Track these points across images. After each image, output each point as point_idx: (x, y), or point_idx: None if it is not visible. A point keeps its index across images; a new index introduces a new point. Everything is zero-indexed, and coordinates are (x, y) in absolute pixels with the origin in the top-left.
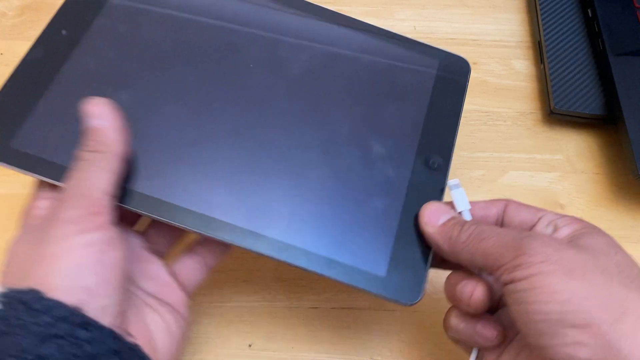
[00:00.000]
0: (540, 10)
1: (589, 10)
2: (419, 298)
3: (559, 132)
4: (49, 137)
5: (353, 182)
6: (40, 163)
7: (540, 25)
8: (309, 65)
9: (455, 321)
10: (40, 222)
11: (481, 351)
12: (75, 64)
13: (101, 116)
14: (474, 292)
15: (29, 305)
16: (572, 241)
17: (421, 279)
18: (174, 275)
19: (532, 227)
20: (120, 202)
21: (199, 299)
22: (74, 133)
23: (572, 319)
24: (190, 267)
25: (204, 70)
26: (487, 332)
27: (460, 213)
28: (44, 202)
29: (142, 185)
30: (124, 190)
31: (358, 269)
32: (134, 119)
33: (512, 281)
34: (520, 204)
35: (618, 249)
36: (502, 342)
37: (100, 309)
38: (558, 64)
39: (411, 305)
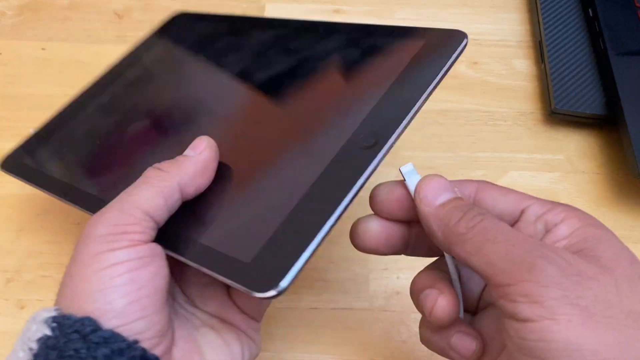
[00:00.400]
0: (541, 9)
1: (589, 10)
2: (271, 293)
3: (560, 132)
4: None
5: (268, 158)
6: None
7: (541, 25)
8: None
9: (427, 333)
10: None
11: None
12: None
13: (195, 148)
14: (435, 304)
15: (84, 335)
16: (582, 250)
17: (283, 273)
18: (231, 296)
19: (515, 222)
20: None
21: None
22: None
23: None
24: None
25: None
26: (462, 346)
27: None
28: None
29: None
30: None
31: (224, 255)
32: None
33: (514, 317)
34: (495, 188)
35: (635, 260)
36: (484, 354)
37: (135, 335)
38: (559, 64)
39: (260, 297)
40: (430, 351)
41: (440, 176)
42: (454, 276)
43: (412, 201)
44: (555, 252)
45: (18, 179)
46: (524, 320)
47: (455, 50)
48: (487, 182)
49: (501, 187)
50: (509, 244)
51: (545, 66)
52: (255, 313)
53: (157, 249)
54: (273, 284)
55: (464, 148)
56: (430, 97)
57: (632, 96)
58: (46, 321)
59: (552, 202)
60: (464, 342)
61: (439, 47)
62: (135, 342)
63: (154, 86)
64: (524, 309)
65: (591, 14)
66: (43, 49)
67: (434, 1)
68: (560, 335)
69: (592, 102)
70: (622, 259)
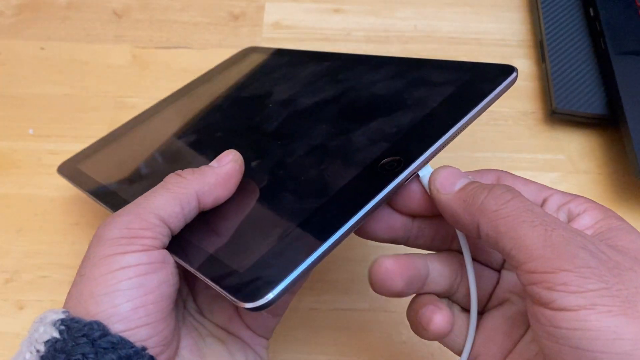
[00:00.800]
0: (542, 9)
1: (590, 9)
2: (260, 302)
3: (561, 132)
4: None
5: (285, 164)
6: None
7: (542, 24)
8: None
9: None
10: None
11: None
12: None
13: (220, 160)
14: (432, 319)
15: (93, 340)
16: (610, 243)
17: (273, 284)
18: (238, 311)
19: None
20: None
21: None
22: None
23: None
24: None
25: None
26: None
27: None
28: None
29: None
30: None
31: (222, 263)
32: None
33: (549, 305)
34: (516, 178)
35: None
36: (478, 355)
37: (139, 341)
38: (560, 63)
39: (245, 307)
40: (430, 352)
41: (451, 166)
42: (470, 271)
43: (425, 194)
44: (594, 243)
45: (70, 183)
46: (560, 309)
47: (501, 83)
48: (507, 172)
49: (521, 177)
50: (548, 228)
51: (546, 66)
52: (262, 330)
53: (168, 256)
54: (258, 296)
55: (464, 148)
56: None
57: (633, 96)
58: (54, 323)
59: (572, 194)
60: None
61: (485, 80)
62: (144, 348)
63: (214, 109)
64: (561, 298)
65: (592, 14)
66: (42, 48)
67: (434, 0)
68: (599, 325)
69: (593, 102)
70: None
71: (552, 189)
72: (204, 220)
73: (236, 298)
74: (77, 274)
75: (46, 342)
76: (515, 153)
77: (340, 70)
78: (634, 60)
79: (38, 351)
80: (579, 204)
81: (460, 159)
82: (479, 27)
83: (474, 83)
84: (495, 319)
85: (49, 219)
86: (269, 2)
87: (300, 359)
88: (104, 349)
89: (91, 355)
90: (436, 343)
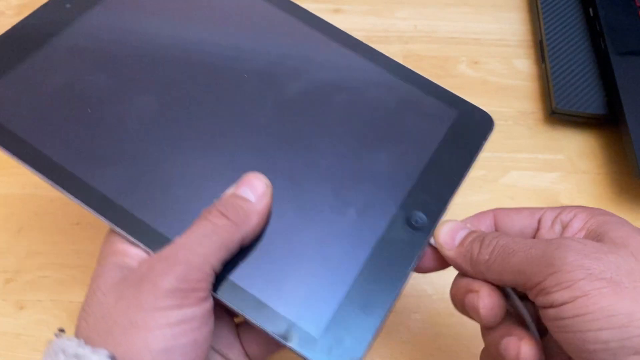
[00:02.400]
0: (542, 9)
1: (590, 10)
2: None
3: (561, 132)
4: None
5: (316, 226)
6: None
7: (542, 25)
8: (303, 91)
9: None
10: (133, 277)
11: None
12: (64, 39)
13: (256, 191)
14: (520, 352)
15: None
16: (597, 237)
17: (359, 351)
18: (239, 339)
19: (536, 232)
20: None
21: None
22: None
23: (636, 344)
24: (254, 338)
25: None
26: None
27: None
28: (137, 251)
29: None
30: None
31: (291, 321)
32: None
33: (551, 305)
34: (510, 210)
35: None
36: None
37: None
38: (559, 64)
39: None
40: (430, 352)
41: (451, 220)
42: (529, 320)
43: (434, 249)
44: (568, 239)
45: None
46: (560, 304)
47: (486, 135)
48: (501, 208)
49: (513, 208)
50: (527, 250)
51: (545, 66)
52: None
53: (212, 301)
54: None
55: None
56: None
57: (632, 96)
58: None
59: (562, 206)
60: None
61: (472, 126)
62: None
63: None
64: (558, 296)
65: (592, 14)
66: None
67: (434, 0)
68: (595, 307)
69: (592, 102)
70: (634, 235)
71: (542, 208)
72: (262, 267)
73: None
74: (120, 313)
75: None
76: (515, 153)
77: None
78: (633, 60)
79: None
80: (567, 212)
81: None
82: (479, 27)
83: (464, 128)
84: (549, 340)
85: (50, 219)
86: None
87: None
88: None
89: None
90: (435, 343)
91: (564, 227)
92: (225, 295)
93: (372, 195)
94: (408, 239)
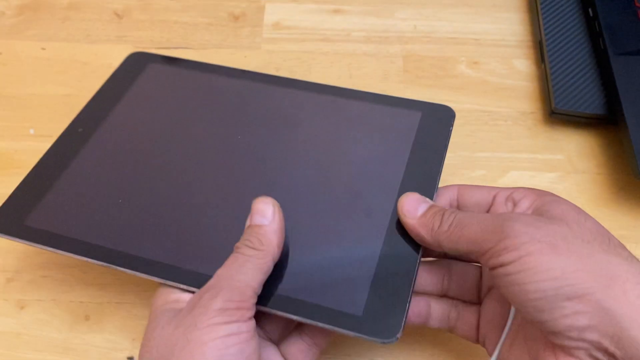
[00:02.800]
0: (541, 9)
1: (589, 10)
2: (397, 336)
3: (560, 132)
4: (66, 213)
5: (333, 226)
6: (55, 238)
7: (541, 25)
8: (294, 133)
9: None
10: (187, 308)
11: (490, 340)
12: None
13: (266, 214)
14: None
15: None
16: (541, 213)
17: (400, 317)
18: (285, 358)
19: (489, 207)
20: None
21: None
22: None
23: (567, 292)
24: (300, 349)
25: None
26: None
27: None
28: (188, 296)
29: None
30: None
31: (333, 309)
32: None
33: (501, 265)
34: (472, 186)
35: (584, 213)
36: (486, 333)
37: None
38: (559, 64)
39: (390, 343)
40: (429, 352)
41: (413, 192)
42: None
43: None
44: (515, 214)
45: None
46: (509, 263)
47: (451, 126)
48: (464, 184)
49: (475, 185)
50: (481, 223)
51: (545, 66)
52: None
53: (254, 322)
54: (394, 330)
55: (464, 148)
56: (431, 97)
57: (632, 96)
58: None
59: (514, 187)
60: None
61: (435, 121)
62: None
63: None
64: (506, 257)
65: (591, 14)
66: (43, 48)
67: (434, 1)
68: (536, 263)
69: (592, 102)
70: (570, 211)
71: (498, 187)
72: (294, 274)
73: (377, 337)
74: (178, 336)
75: None
76: (514, 153)
77: (282, 99)
78: (633, 60)
79: None
80: (519, 192)
81: (460, 159)
82: (479, 27)
83: (430, 125)
84: (489, 303)
85: None
86: (269, 3)
87: None
88: None
89: None
90: (435, 343)
91: (514, 205)
92: (277, 307)
93: (372, 197)
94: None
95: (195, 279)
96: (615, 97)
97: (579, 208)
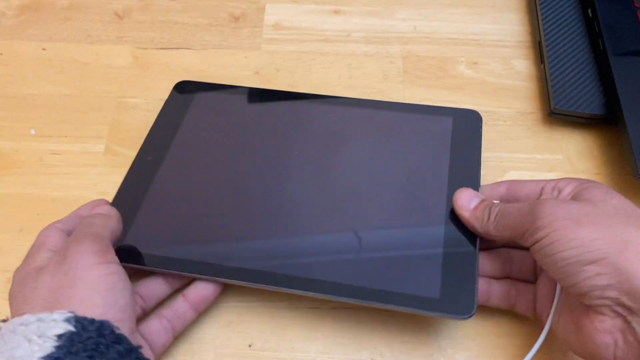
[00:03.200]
0: (541, 10)
1: (589, 10)
2: (474, 311)
3: (560, 132)
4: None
5: (399, 225)
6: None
7: (541, 25)
8: (347, 146)
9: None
10: (57, 258)
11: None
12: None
13: (102, 209)
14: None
15: (105, 336)
16: (575, 197)
17: (472, 295)
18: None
19: (539, 196)
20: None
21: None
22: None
23: (587, 257)
24: (156, 329)
25: (266, 160)
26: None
27: None
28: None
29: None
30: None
31: (416, 296)
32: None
33: (535, 242)
34: (521, 181)
35: (613, 194)
36: (537, 306)
37: (128, 329)
38: (558, 64)
39: (468, 318)
40: (430, 351)
41: (467, 188)
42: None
43: None
44: (544, 199)
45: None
46: (541, 239)
47: (480, 128)
48: (514, 180)
49: (524, 180)
50: (519, 210)
51: (544, 66)
52: (159, 349)
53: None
54: (469, 306)
55: None
56: (431, 98)
57: (631, 96)
58: (68, 320)
59: (561, 177)
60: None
61: (466, 125)
62: (139, 346)
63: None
64: (538, 235)
65: (591, 14)
66: (43, 49)
67: (434, 1)
68: (561, 236)
69: (591, 102)
70: (600, 193)
71: (545, 180)
72: (374, 266)
73: (456, 315)
74: (64, 279)
75: (60, 335)
76: (513, 153)
77: (332, 118)
78: (632, 60)
79: (52, 338)
80: (563, 182)
81: None
82: (478, 28)
83: (462, 128)
84: (542, 280)
85: (51, 219)
86: (269, 3)
87: (300, 357)
88: (113, 342)
89: (102, 346)
90: (435, 343)
91: (559, 192)
92: (369, 299)
93: (426, 196)
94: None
95: (287, 281)
96: (614, 97)
97: (608, 189)
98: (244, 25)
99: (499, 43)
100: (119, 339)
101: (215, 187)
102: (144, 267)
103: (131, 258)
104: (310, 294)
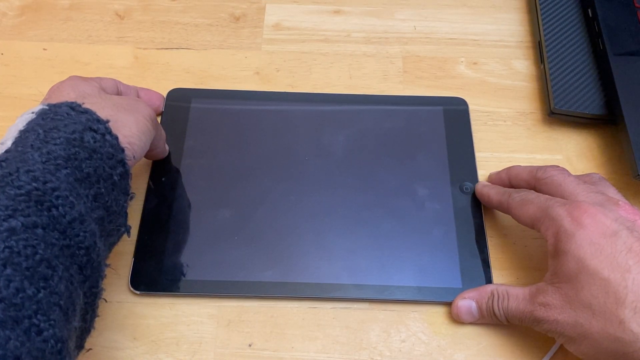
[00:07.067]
0: (541, 10)
1: (589, 10)
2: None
3: (559, 132)
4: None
5: (415, 225)
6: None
7: (541, 25)
8: (347, 145)
9: None
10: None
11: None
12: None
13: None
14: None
15: (73, 107)
16: (555, 253)
17: (489, 276)
18: None
19: (532, 184)
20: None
21: (200, 297)
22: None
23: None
24: None
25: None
26: None
27: None
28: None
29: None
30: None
31: (440, 288)
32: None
33: (545, 235)
34: (517, 169)
35: (605, 182)
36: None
37: (129, 151)
38: (558, 64)
39: None
40: (429, 351)
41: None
42: None
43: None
44: (554, 201)
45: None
46: (549, 229)
47: (468, 114)
48: (511, 167)
49: (522, 166)
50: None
51: (544, 66)
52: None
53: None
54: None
55: None
56: None
57: (631, 96)
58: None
59: (548, 165)
60: None
61: (455, 112)
62: (107, 120)
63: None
64: (548, 228)
65: (590, 15)
66: (44, 49)
67: (433, 1)
68: (561, 223)
69: (591, 103)
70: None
71: (536, 167)
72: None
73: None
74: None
75: (33, 111)
76: (513, 153)
77: (330, 115)
78: (632, 60)
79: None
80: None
81: None
82: (478, 28)
83: (452, 114)
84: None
85: None
86: (270, 4)
87: (300, 357)
88: (81, 112)
89: (72, 113)
90: (435, 343)
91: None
92: (402, 296)
93: (431, 186)
94: (467, 202)
95: (308, 289)
96: (614, 98)
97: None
98: (244, 26)
99: (499, 43)
100: (88, 111)
101: (235, 206)
102: (185, 294)
103: (172, 287)
104: (349, 297)
